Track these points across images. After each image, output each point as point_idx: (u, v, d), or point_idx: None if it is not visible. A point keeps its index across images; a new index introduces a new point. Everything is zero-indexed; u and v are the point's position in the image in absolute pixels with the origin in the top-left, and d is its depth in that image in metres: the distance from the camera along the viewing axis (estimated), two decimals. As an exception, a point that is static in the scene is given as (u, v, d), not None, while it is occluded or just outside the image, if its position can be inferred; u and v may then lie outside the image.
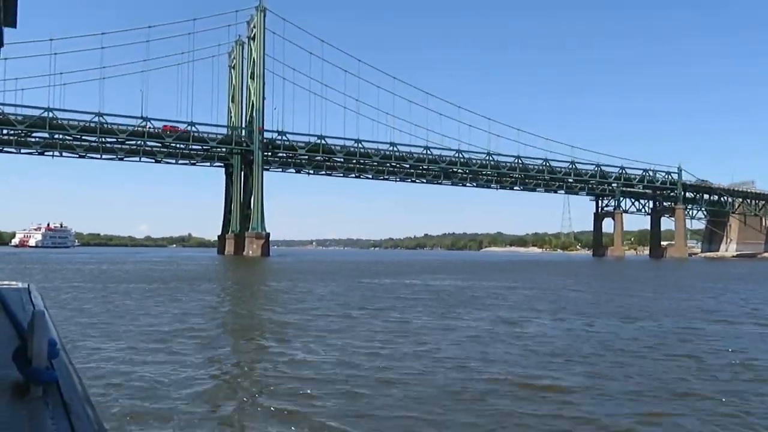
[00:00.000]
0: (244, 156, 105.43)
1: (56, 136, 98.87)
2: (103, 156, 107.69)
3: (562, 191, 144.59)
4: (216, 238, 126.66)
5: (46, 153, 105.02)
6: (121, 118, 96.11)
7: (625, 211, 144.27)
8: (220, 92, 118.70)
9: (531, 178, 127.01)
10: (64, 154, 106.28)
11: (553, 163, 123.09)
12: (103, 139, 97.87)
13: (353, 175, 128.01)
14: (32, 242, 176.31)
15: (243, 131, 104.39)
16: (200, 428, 7.68)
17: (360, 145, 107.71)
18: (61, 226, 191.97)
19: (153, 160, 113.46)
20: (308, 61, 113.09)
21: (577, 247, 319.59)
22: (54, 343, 1.18)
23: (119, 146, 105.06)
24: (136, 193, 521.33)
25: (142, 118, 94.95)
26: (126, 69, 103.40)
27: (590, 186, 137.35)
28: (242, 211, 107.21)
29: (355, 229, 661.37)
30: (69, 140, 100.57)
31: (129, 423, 7.63)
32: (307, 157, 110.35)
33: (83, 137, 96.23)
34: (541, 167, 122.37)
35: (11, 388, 1.10)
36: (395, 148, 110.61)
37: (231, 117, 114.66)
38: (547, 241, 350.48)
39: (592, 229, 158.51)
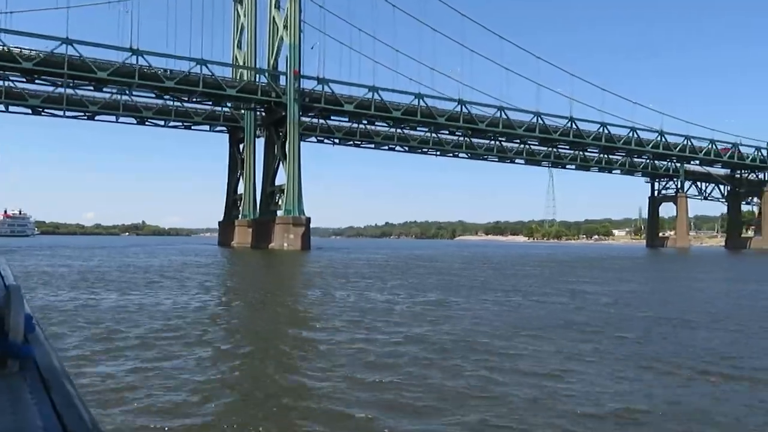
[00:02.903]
0: (270, 113, 76.74)
1: None
2: (67, 113, 78.04)
3: (618, 171, 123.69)
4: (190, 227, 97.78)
5: (-16, 107, 74.72)
6: (101, 49, 65.59)
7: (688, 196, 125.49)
8: (225, 36, 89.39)
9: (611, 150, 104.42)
10: (11, 108, 76.23)
11: (641, 134, 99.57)
12: (71, 82, 67.74)
13: (386, 147, 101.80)
14: None
15: (266, 76, 75.23)
16: None
17: (423, 102, 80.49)
18: (20, 213, 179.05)
19: (135, 121, 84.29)
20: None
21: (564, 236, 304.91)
22: (30, 317, 1.13)
23: (92, 97, 75.55)
24: (78, 177, 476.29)
25: (130, 50, 65.10)
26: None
27: (653, 164, 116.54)
28: (264, 190, 79.35)
29: (312, 216, 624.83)
30: (20, 85, 70.58)
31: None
32: (347, 118, 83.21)
33: (42, 75, 65.54)
34: (628, 138, 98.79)
35: None
36: (464, 107, 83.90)
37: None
38: (534, 229, 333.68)
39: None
